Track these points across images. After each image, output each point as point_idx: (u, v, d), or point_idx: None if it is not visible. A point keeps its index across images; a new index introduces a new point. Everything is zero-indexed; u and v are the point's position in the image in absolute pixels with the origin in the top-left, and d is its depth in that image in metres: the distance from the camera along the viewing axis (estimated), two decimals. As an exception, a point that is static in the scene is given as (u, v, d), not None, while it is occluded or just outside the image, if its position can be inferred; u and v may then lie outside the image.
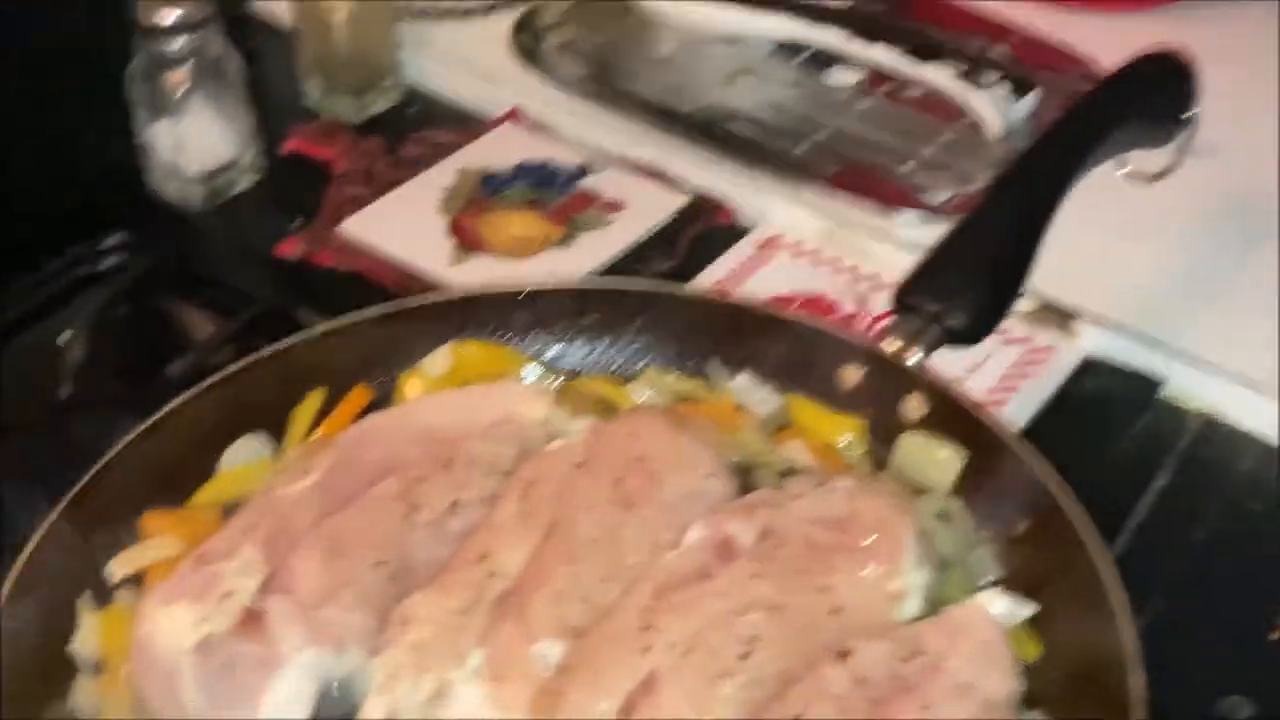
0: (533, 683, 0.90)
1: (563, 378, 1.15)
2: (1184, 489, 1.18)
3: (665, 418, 1.06)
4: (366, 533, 0.97)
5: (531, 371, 1.15)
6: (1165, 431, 1.22)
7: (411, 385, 1.13)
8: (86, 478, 0.99)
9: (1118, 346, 1.27)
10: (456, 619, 0.93)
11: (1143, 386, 1.25)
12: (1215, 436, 1.22)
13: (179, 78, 1.41)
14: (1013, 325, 1.28)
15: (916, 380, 1.06)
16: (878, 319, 1.24)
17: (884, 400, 1.08)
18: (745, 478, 1.06)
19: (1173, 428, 1.23)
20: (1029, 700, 0.92)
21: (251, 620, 0.91)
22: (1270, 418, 1.21)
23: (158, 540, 1.01)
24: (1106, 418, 1.23)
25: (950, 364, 1.16)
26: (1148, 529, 1.15)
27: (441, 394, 1.12)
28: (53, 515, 0.97)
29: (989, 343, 1.23)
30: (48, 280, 1.33)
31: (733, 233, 1.41)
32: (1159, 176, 1.28)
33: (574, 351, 1.17)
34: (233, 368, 1.09)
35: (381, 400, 1.13)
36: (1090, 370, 1.26)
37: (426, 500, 1.00)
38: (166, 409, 1.05)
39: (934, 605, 0.96)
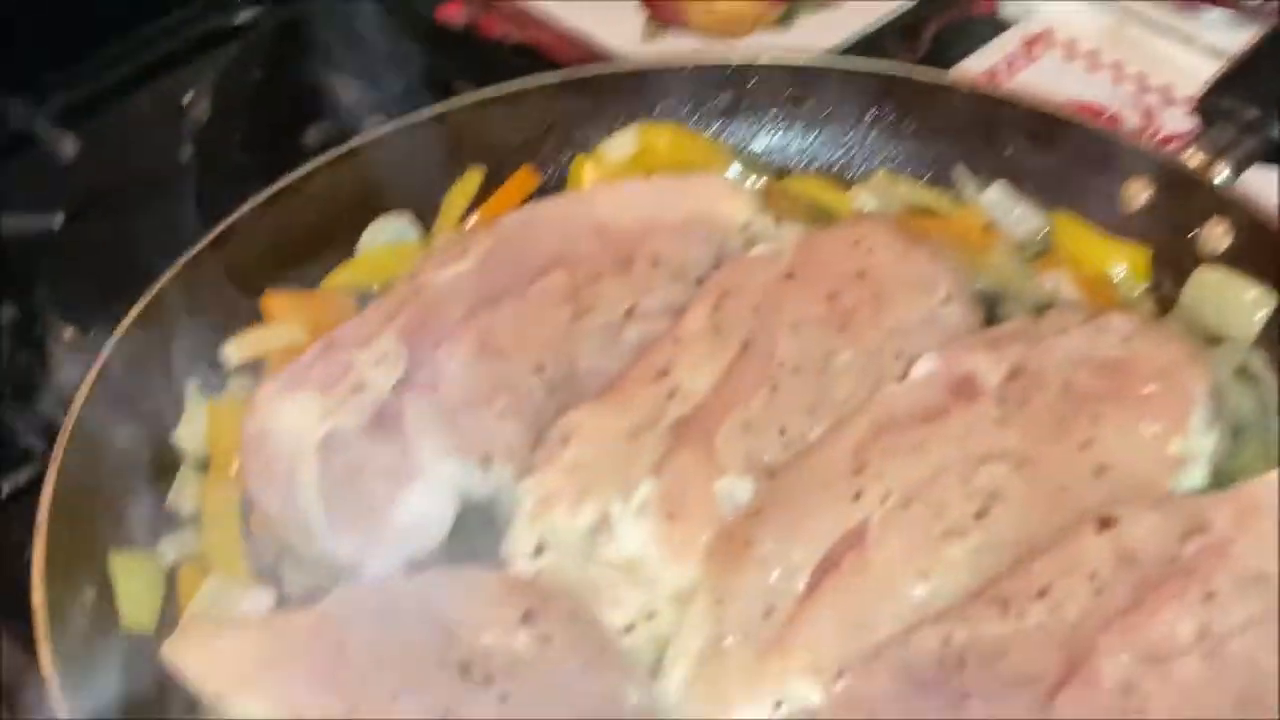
0: (713, 523, 0.87)
1: (771, 176, 1.12)
2: None
3: (897, 229, 1.01)
4: (527, 332, 0.95)
5: (734, 165, 1.12)
6: None
7: (589, 170, 1.11)
8: (202, 244, 0.99)
9: None
10: (626, 442, 0.91)
11: None
12: None
13: None
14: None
15: (1223, 202, 1.00)
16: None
17: (1178, 226, 1.02)
18: (991, 309, 1.02)
19: None
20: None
21: (386, 419, 0.90)
22: None
23: (282, 324, 1.01)
24: None
25: (1268, 187, 1.08)
26: None
27: (624, 183, 1.09)
28: (162, 281, 0.96)
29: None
30: (174, 31, 1.32)
31: (992, 25, 1.35)
32: None
33: (788, 144, 1.14)
34: (379, 132, 1.07)
35: (551, 186, 1.11)
36: None
37: (599, 302, 0.98)
38: (299, 173, 1.03)
39: (1222, 478, 0.91)
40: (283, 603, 0.88)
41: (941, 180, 1.10)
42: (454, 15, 1.35)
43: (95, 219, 1.15)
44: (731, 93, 1.12)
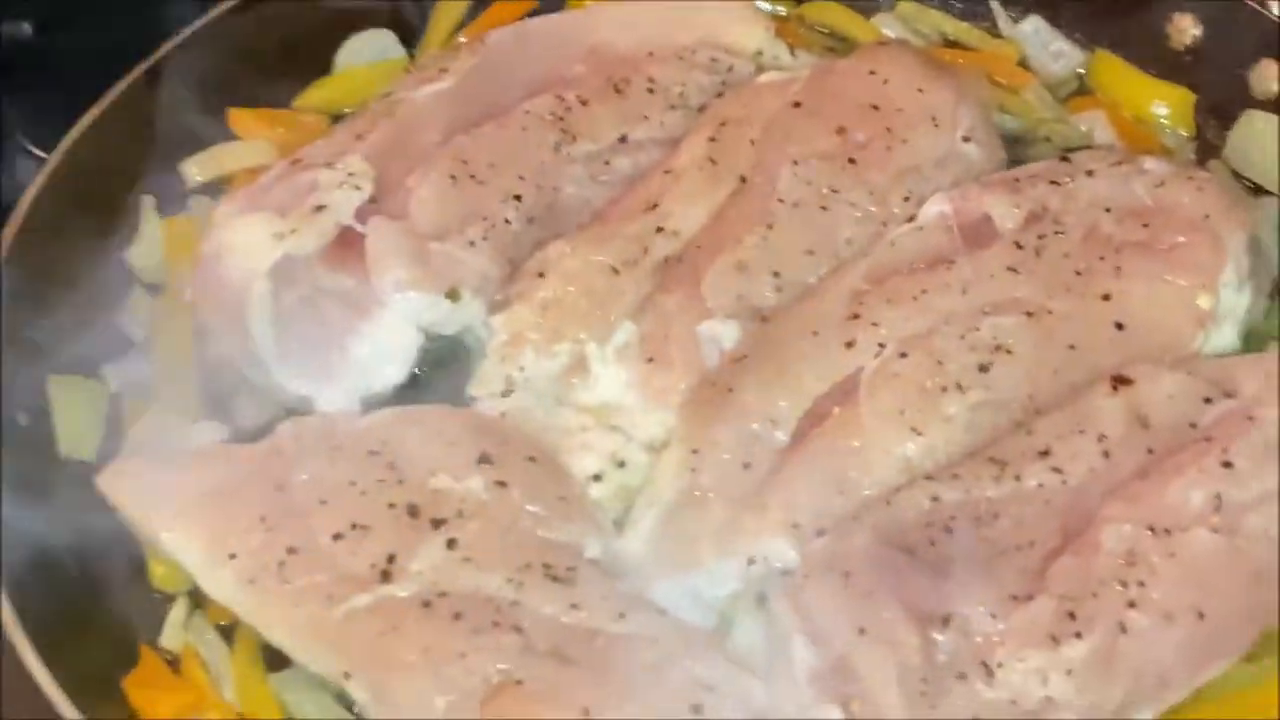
0: (695, 370, 0.84)
1: (789, 2, 1.07)
2: None
3: (918, 59, 0.97)
4: (506, 156, 0.91)
5: (749, -12, 1.07)
6: None
7: (589, -14, 1.06)
8: (165, 49, 0.95)
9: None
10: (608, 278, 0.88)
11: None
12: None
13: None
14: None
15: (1278, 39, 0.95)
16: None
17: (1227, 66, 0.98)
18: (1021, 151, 0.98)
19: None
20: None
21: (347, 244, 0.86)
22: None
23: (248, 142, 0.97)
24: None
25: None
26: None
27: (626, 4, 1.03)
28: (120, 87, 0.93)
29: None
30: None
31: None
32: None
33: (809, -34, 1.07)
34: (364, -66, 1.02)
35: (550, 5, 1.06)
36: None
37: (588, 129, 0.94)
38: (275, -24, 0.99)
39: (1254, 341, 0.88)
40: (235, 437, 0.85)
41: (974, 11, 1.07)
42: None
43: (65, 28, 1.10)
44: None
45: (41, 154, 1.00)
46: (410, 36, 1.04)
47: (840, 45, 1.05)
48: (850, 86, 0.94)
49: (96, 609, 0.79)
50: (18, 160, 1.02)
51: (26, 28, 1.10)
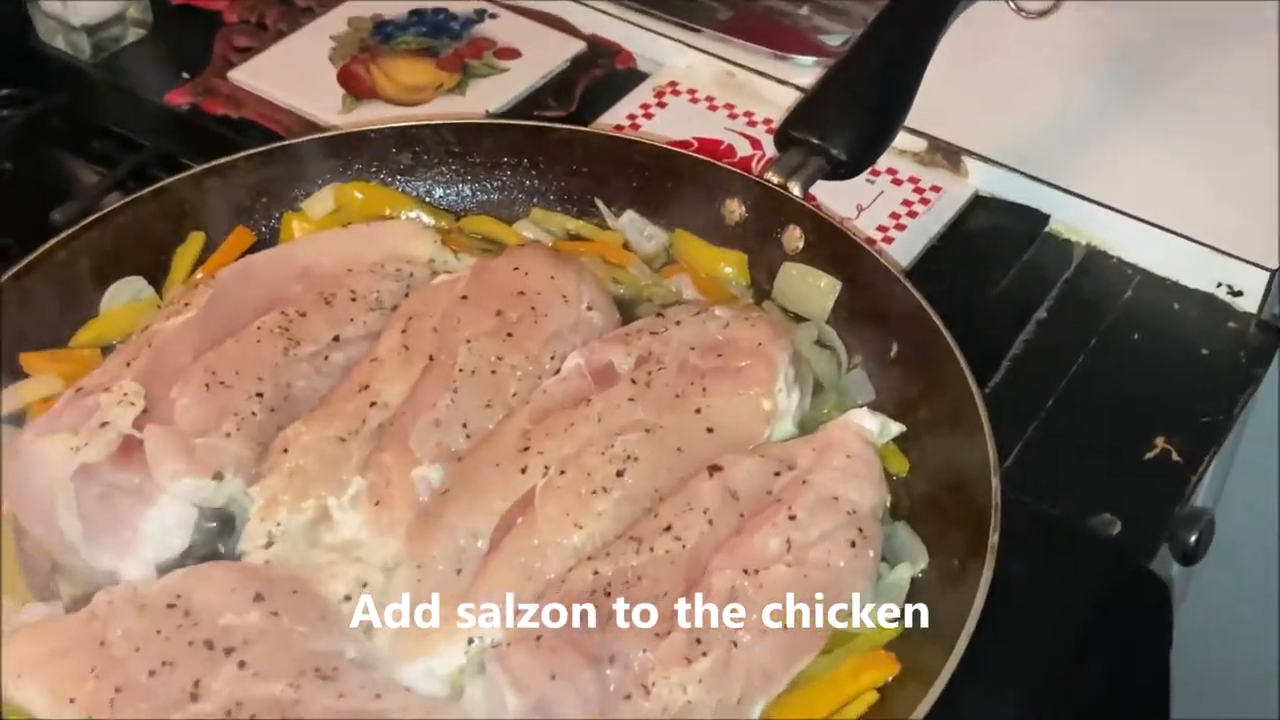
0: (412, 505, 0.92)
1: (449, 218, 1.15)
2: (1067, 318, 1.20)
3: (548, 253, 1.07)
4: (246, 364, 0.98)
5: (417, 212, 1.15)
6: (1051, 263, 1.25)
7: (296, 225, 1.13)
8: None
9: (1006, 184, 1.29)
10: (337, 446, 0.94)
11: (1029, 221, 1.27)
12: (1097, 268, 1.24)
13: (60, -74, 1.38)
14: (902, 165, 1.30)
15: (797, 212, 1.07)
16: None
17: (766, 233, 1.09)
18: (631, 311, 1.08)
19: (1059, 259, 1.25)
20: (895, 512, 0.95)
21: (128, 450, 0.92)
22: (1153, 249, 1.23)
23: (39, 378, 1.01)
24: (996, 251, 1.25)
25: (841, 204, 1.20)
26: (1030, 358, 1.17)
27: (325, 233, 1.11)
28: None
29: (878, 181, 1.28)
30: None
31: (630, 78, 1.40)
32: (1045, 12, 1.28)
33: (461, 192, 1.17)
34: (111, 207, 1.08)
35: (265, 243, 1.13)
36: (980, 206, 1.28)
37: (308, 334, 1.01)
38: (43, 248, 1.04)
39: (808, 426, 0.99)
40: (56, 612, 0.88)
41: (586, 210, 1.15)
42: (179, 99, 1.36)
43: None
44: (410, 151, 1.16)
45: None
46: (158, 279, 1.09)
47: (493, 247, 1.12)
48: (501, 279, 1.03)
49: None
50: None
51: None
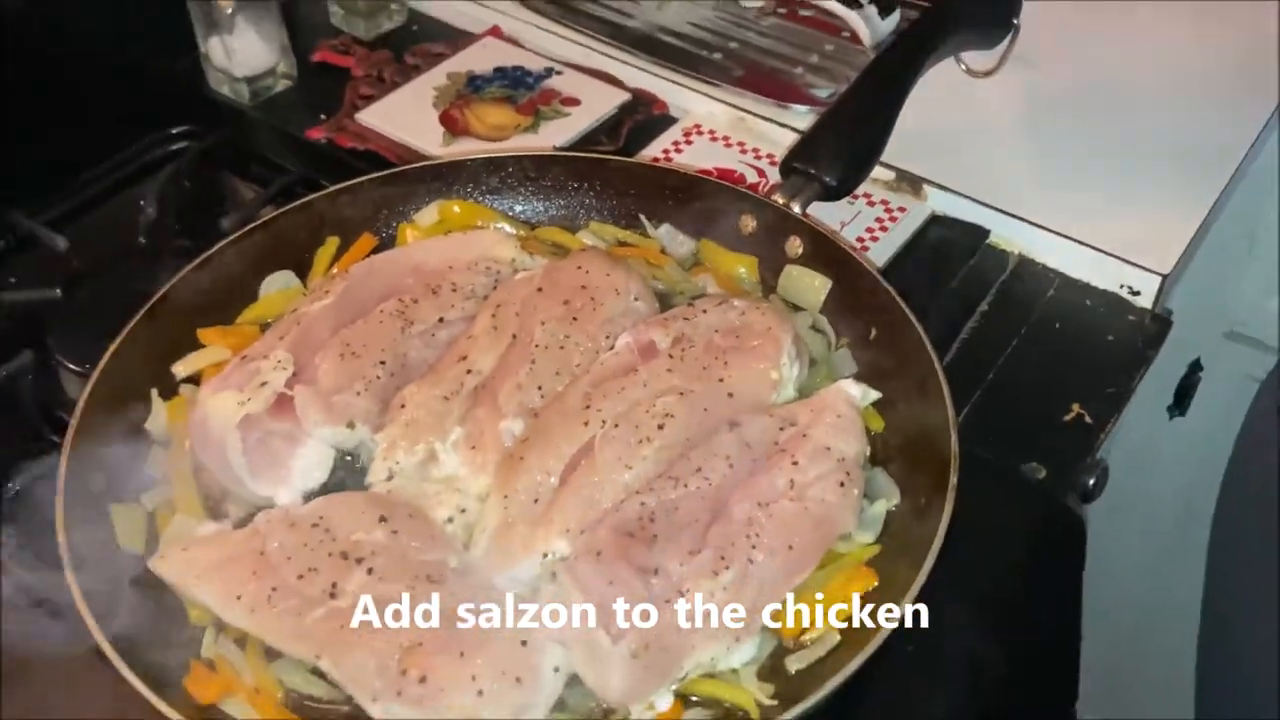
0: (500, 451, 0.91)
1: (526, 228, 1.14)
2: (1003, 311, 1.18)
3: (604, 255, 1.06)
4: (372, 340, 0.97)
5: (502, 224, 1.13)
6: (990, 268, 1.22)
7: (408, 233, 1.12)
8: (155, 298, 0.99)
9: (956, 206, 1.26)
10: (442, 404, 0.94)
11: (974, 235, 1.24)
12: (1027, 273, 1.22)
13: (226, 2, 1.36)
14: (875, 191, 1.27)
15: (798, 225, 1.05)
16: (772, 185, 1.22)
17: (773, 242, 1.07)
18: (667, 301, 1.06)
19: (996, 265, 1.22)
20: (874, 460, 0.94)
21: (282, 404, 0.92)
22: (1071, 257, 1.20)
23: (210, 348, 1.00)
24: (947, 258, 1.22)
25: (828, 220, 1.16)
26: (975, 342, 1.14)
27: (431, 239, 1.10)
28: (130, 324, 0.96)
29: (857, 203, 1.25)
30: (132, 159, 1.29)
31: (664, 121, 1.38)
32: (989, 73, 1.26)
33: (535, 208, 1.15)
34: (266, 217, 1.07)
35: (384, 245, 1.11)
36: (935, 223, 1.25)
37: (419, 316, 1.00)
38: (215, 248, 1.04)
39: (806, 393, 0.98)
40: (231, 528, 0.89)
41: (631, 224, 1.13)
42: (317, 135, 1.34)
43: (84, 290, 1.12)
44: (497, 176, 1.14)
45: (80, 370, 1.03)
46: (303, 272, 1.08)
47: (560, 251, 1.10)
48: (567, 276, 1.01)
49: (158, 640, 0.81)
50: (63, 378, 1.03)
51: (57, 291, 1.11)
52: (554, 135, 1.34)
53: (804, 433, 0.90)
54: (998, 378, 1.11)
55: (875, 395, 0.96)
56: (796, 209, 1.05)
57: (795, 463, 0.88)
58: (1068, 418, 1.08)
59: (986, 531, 0.96)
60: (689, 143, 1.34)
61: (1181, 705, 1.36)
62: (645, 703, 0.78)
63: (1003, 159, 1.29)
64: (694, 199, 1.10)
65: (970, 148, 1.30)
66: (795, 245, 1.06)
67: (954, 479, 0.85)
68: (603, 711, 0.80)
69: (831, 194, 1.06)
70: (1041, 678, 1.03)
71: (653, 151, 1.33)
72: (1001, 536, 0.98)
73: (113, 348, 0.94)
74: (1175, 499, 1.61)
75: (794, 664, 0.81)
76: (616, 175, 1.13)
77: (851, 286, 1.02)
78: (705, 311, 0.99)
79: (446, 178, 1.13)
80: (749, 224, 1.09)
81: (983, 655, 0.92)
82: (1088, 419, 1.07)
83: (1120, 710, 1.67)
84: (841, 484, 0.87)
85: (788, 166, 1.07)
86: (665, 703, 0.79)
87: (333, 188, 1.10)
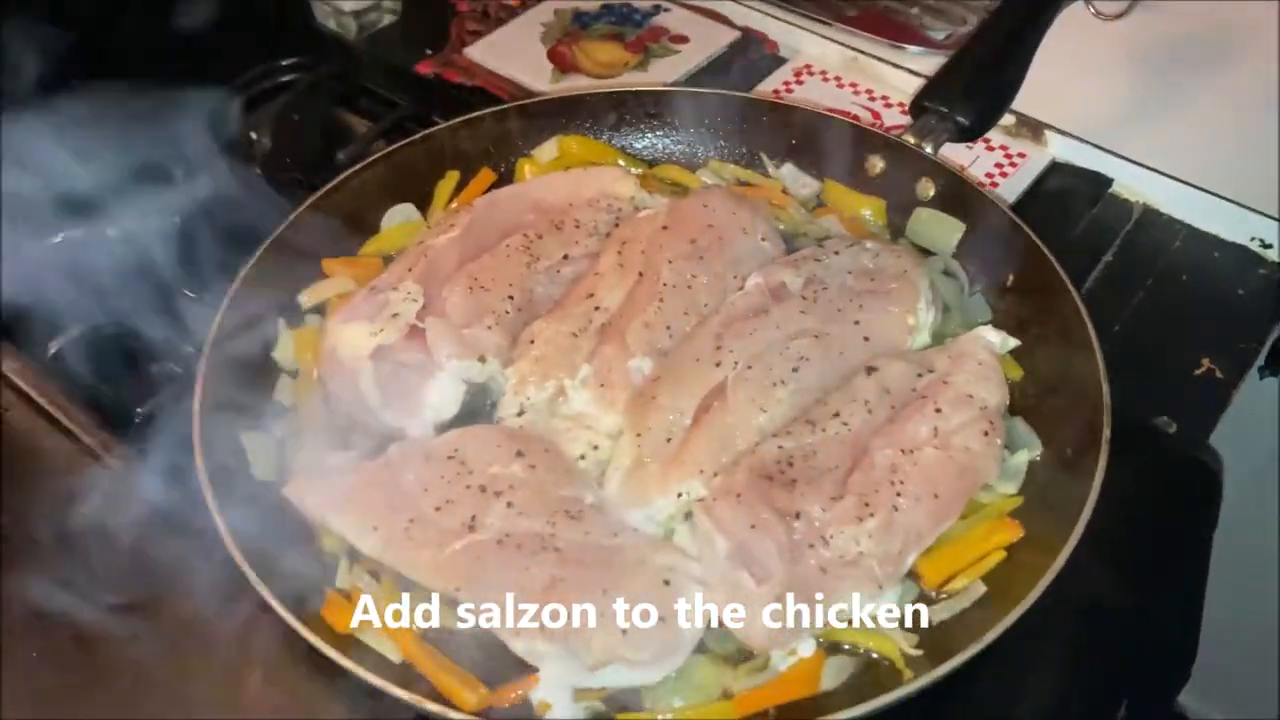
0: (629, 388, 0.88)
1: (645, 166, 1.09)
2: (1128, 263, 1.12)
3: (730, 194, 1.01)
4: (499, 274, 0.94)
5: (621, 160, 1.09)
6: (1114, 219, 1.16)
7: (528, 168, 1.08)
8: (279, 229, 0.95)
9: (1078, 153, 1.19)
10: (570, 340, 0.91)
11: (1096, 183, 1.18)
12: (1152, 223, 1.15)
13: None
14: (994, 135, 1.20)
15: (931, 166, 1.00)
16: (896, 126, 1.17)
17: (902, 184, 1.02)
18: (791, 243, 1.01)
19: (1120, 215, 1.16)
20: (1011, 409, 0.89)
21: (414, 335, 0.89)
22: (1198, 208, 1.14)
23: (335, 279, 0.98)
24: (1068, 207, 1.16)
25: (956, 156, 1.11)
26: (1098, 293, 1.09)
27: (550, 175, 1.06)
28: (255, 255, 0.93)
29: (975, 148, 1.18)
30: (244, 88, 1.25)
31: (774, 61, 1.32)
32: (1120, 16, 1.18)
33: (655, 144, 1.11)
34: (388, 149, 1.03)
35: (503, 181, 1.07)
36: (1055, 171, 1.19)
37: (545, 252, 0.97)
38: (339, 178, 1.00)
39: (937, 339, 0.93)
40: (358, 459, 0.86)
41: (752, 163, 1.09)
42: (426, 70, 1.30)
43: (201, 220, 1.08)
44: (615, 112, 1.10)
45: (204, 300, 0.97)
46: (423, 205, 1.04)
47: (679, 189, 1.06)
48: (693, 214, 0.97)
49: (295, 570, 0.78)
50: (188, 309, 0.98)
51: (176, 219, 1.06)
52: (664, 73, 1.28)
53: (944, 380, 0.86)
54: (1124, 330, 1.05)
55: (1014, 342, 0.91)
56: (929, 150, 1.00)
57: (939, 410, 0.84)
58: (1198, 372, 1.02)
59: (1117, 484, 0.91)
60: (800, 83, 1.28)
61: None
62: (788, 648, 0.75)
63: (1129, 105, 1.22)
64: (819, 138, 1.05)
65: (1095, 93, 1.23)
66: (927, 187, 1.01)
67: (1107, 432, 0.80)
68: (743, 655, 0.77)
69: (965, 135, 1.01)
70: (1166, 631, 0.98)
71: (765, 89, 1.26)
72: (1133, 490, 0.92)
73: (240, 276, 0.92)
74: (1261, 462, 1.54)
75: (938, 614, 0.77)
76: (738, 112, 1.08)
77: (986, 230, 0.97)
78: (837, 253, 0.95)
79: (566, 113, 1.09)
80: (877, 165, 1.04)
81: (1110, 605, 0.88)
82: (1218, 374, 1.02)
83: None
84: (985, 433, 0.83)
85: (919, 106, 1.02)
86: (808, 649, 0.75)
87: (454, 120, 1.06)
